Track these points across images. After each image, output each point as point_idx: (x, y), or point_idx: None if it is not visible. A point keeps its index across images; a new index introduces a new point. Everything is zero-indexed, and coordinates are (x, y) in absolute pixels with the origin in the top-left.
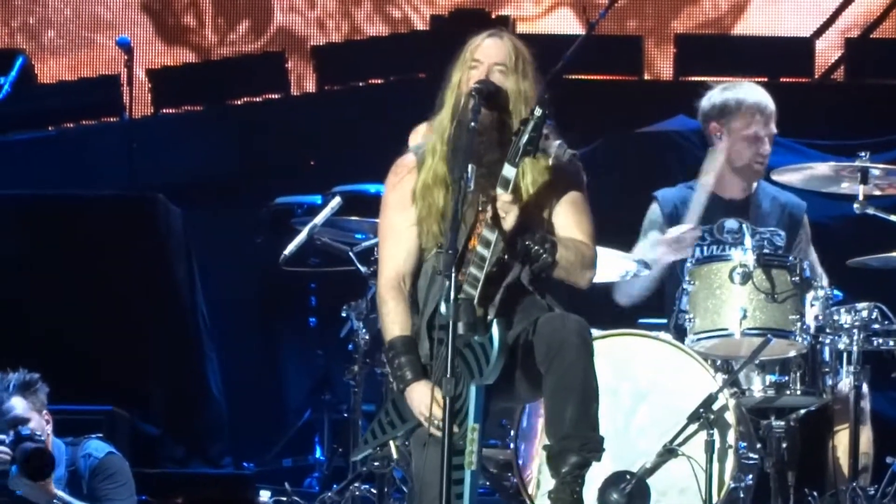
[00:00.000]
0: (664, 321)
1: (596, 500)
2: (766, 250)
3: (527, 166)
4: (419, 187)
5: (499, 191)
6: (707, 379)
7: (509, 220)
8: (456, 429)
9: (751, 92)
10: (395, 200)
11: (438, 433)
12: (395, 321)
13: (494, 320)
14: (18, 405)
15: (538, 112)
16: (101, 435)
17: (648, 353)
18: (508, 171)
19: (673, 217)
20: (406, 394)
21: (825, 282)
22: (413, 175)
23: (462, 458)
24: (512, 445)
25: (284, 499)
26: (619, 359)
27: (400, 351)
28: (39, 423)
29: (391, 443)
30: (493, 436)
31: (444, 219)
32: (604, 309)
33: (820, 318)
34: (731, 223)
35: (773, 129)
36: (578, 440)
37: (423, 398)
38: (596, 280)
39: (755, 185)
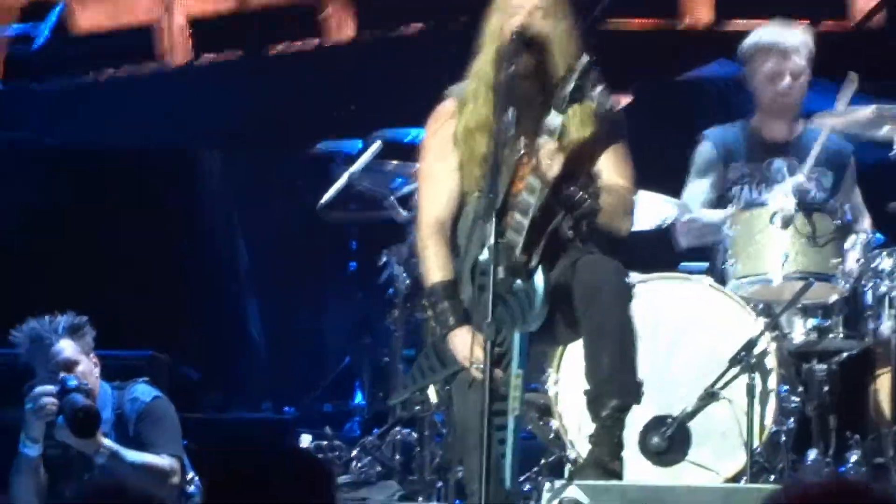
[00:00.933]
0: (705, 265)
1: (637, 444)
2: (808, 193)
3: (571, 113)
4: (461, 131)
5: (544, 138)
6: (748, 323)
7: (554, 167)
8: (499, 373)
9: (767, 31)
10: (435, 145)
11: (481, 376)
12: (436, 265)
13: (538, 267)
14: (67, 348)
15: (584, 59)
16: (147, 379)
17: (689, 297)
18: (553, 118)
19: (726, 157)
20: (448, 338)
21: (868, 223)
22: (454, 120)
23: (504, 403)
24: (552, 390)
25: (325, 443)
26: (660, 302)
27: (441, 295)
28: (88, 366)
29: (431, 387)
30: (534, 380)
31: (485, 163)
32: (644, 254)
33: (861, 261)
34: (777, 162)
35: (797, 62)
36: (617, 384)
37: (465, 342)
38: (638, 227)
39: (800, 127)
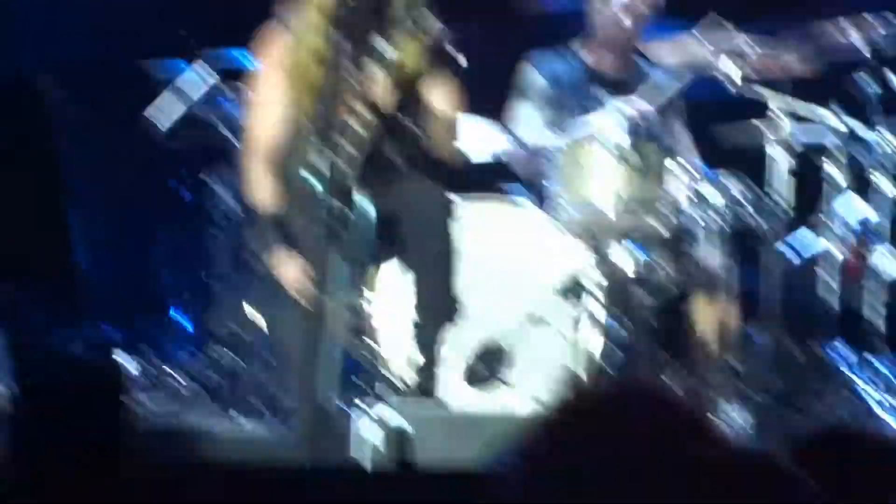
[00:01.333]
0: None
1: (462, 370)
2: (635, 123)
3: (402, 40)
4: (293, 58)
5: (376, 68)
6: (572, 248)
7: (385, 95)
8: (324, 299)
9: None
10: (267, 70)
11: (304, 302)
12: (264, 189)
13: (364, 195)
14: None
15: None
16: None
17: (515, 221)
18: (385, 47)
19: (556, 86)
20: (273, 262)
21: (696, 157)
22: (286, 45)
23: (328, 329)
24: (369, 309)
25: (144, 361)
26: (482, 225)
27: (269, 219)
28: None
29: (252, 310)
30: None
31: (317, 91)
32: (469, 176)
33: (689, 194)
34: (605, 94)
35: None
36: (439, 308)
37: (290, 267)
38: (474, 160)
39: (632, 60)
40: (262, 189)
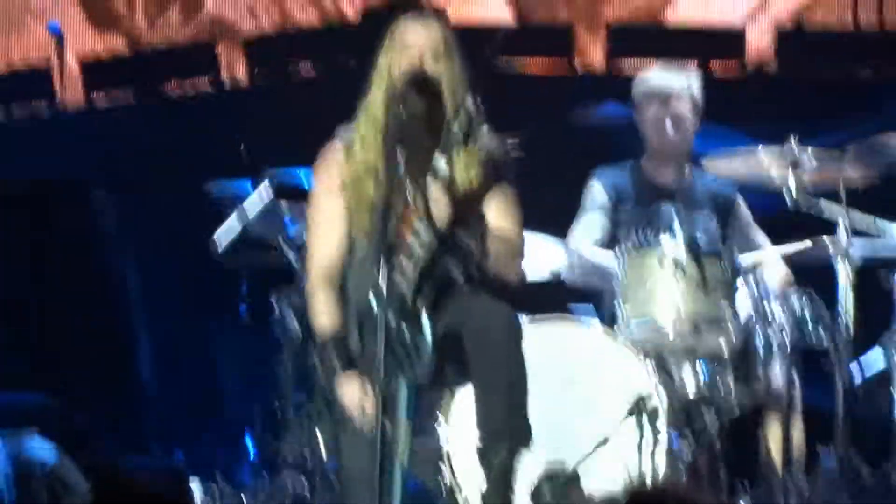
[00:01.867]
0: (593, 307)
1: (529, 492)
2: (696, 238)
3: (458, 156)
4: (348, 175)
5: (430, 181)
6: (638, 370)
7: (442, 210)
8: (387, 424)
9: (650, 75)
10: (324, 189)
11: (368, 427)
12: (325, 311)
13: (426, 315)
14: None
15: (471, 102)
16: (37, 429)
17: (579, 341)
18: (440, 161)
19: (616, 198)
20: (337, 386)
21: (760, 272)
22: (342, 163)
23: (392, 453)
24: (443, 437)
25: (215, 488)
26: (547, 345)
27: (331, 342)
28: None
29: (319, 434)
30: (425, 429)
31: (374, 208)
32: (534, 297)
33: (751, 308)
34: (665, 209)
35: (679, 108)
36: (508, 430)
37: (354, 391)
38: (530, 277)
39: (686, 170)
40: (324, 310)
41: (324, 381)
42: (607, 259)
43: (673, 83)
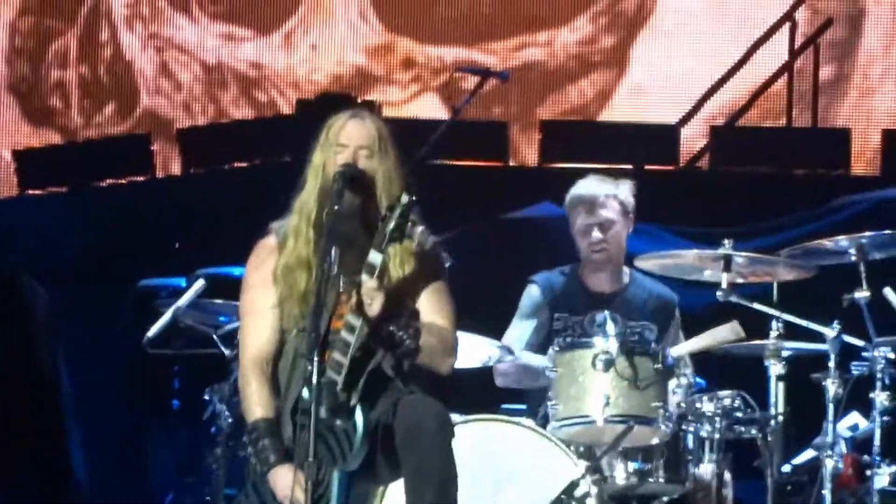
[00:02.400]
0: (524, 407)
1: None
2: (630, 337)
3: (392, 252)
4: (281, 268)
5: (364, 277)
6: (570, 465)
7: (374, 306)
8: None
9: (579, 184)
10: (256, 281)
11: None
12: (257, 402)
13: (358, 406)
14: None
15: (404, 199)
16: None
17: (511, 439)
18: (374, 257)
19: (553, 303)
20: (269, 476)
21: (690, 370)
22: (274, 256)
23: None
24: None
25: None
26: (482, 444)
27: (263, 433)
28: None
29: None
30: None
31: (305, 301)
32: (466, 395)
33: (682, 405)
34: (600, 316)
35: (605, 215)
36: None
37: (286, 481)
38: (459, 366)
39: (626, 277)
40: (256, 401)
41: (257, 470)
42: (540, 361)
43: (598, 190)
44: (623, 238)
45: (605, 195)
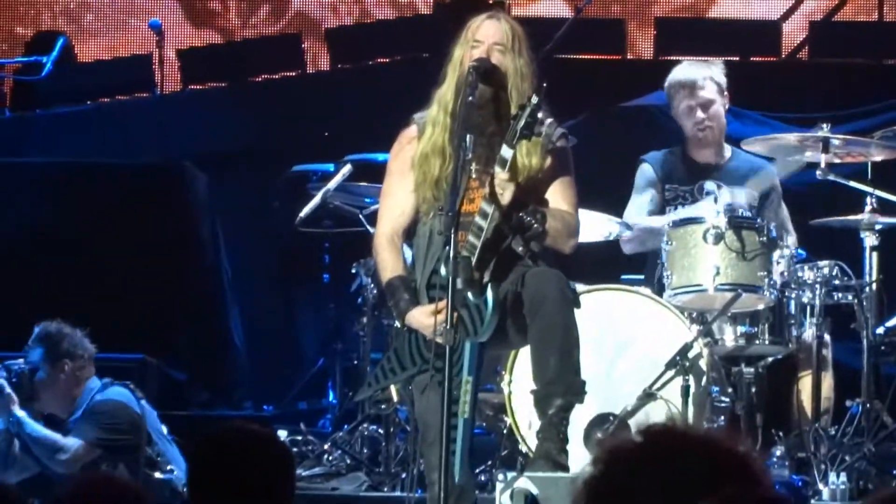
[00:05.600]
0: (642, 277)
1: (581, 439)
2: (737, 212)
3: (521, 146)
4: (418, 156)
5: (497, 169)
6: (683, 330)
7: (506, 195)
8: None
9: (677, 70)
10: (396, 167)
11: (448, 339)
12: (390, 266)
13: (489, 283)
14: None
15: (534, 99)
16: (128, 382)
17: (629, 307)
18: (506, 151)
19: (664, 178)
20: (407, 320)
21: (793, 239)
22: (413, 144)
23: (457, 405)
24: (506, 390)
25: (300, 437)
26: (603, 312)
27: (396, 287)
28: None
29: (392, 387)
30: (489, 381)
31: (438, 186)
32: (589, 267)
33: (785, 274)
34: (709, 184)
35: (704, 95)
36: (562, 384)
37: (423, 314)
38: (581, 240)
39: (727, 151)
40: (388, 266)
41: (395, 334)
42: (660, 222)
43: (696, 73)
44: (722, 115)
45: (703, 77)
